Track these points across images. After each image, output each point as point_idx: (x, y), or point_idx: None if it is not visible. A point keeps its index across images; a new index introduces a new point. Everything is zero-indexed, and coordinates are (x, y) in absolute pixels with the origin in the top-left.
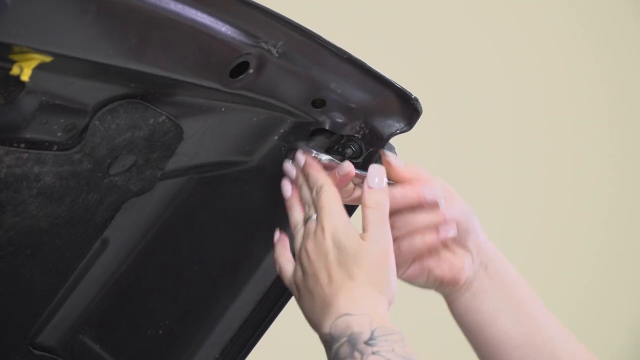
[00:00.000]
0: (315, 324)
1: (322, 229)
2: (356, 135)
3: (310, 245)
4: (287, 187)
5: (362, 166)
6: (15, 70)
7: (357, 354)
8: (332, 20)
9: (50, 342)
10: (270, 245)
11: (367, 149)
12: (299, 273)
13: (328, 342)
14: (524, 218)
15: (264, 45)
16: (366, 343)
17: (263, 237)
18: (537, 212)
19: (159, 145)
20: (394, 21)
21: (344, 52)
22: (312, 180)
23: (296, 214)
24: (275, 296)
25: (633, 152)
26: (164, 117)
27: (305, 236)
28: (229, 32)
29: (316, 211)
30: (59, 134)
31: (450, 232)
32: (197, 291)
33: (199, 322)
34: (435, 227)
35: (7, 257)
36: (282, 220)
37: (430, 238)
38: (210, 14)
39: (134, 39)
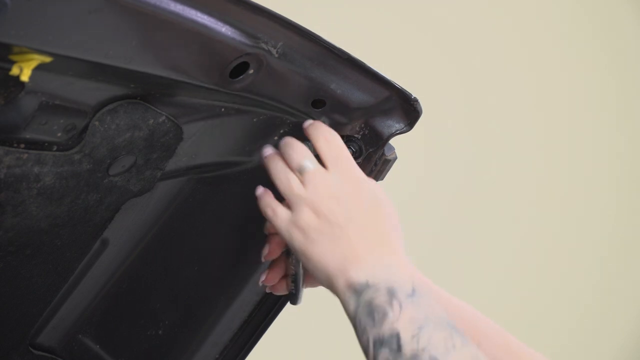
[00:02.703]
0: (335, 272)
1: (346, 174)
2: (356, 135)
3: (331, 190)
4: (267, 148)
5: (362, 166)
6: (15, 71)
7: (395, 304)
8: (332, 21)
9: (50, 343)
10: None
11: (367, 149)
12: (309, 217)
13: (359, 289)
14: (525, 218)
15: (263, 45)
16: (407, 296)
17: (263, 238)
18: (538, 213)
19: (159, 146)
20: (393, 22)
21: (344, 53)
22: (311, 136)
23: (280, 164)
24: (275, 297)
25: (633, 153)
26: (163, 118)
27: (319, 181)
28: (229, 33)
29: (331, 156)
30: (59, 134)
31: None
32: (197, 291)
33: (198, 323)
34: None
35: (7, 257)
36: None
37: None
38: (210, 14)
39: (133, 40)
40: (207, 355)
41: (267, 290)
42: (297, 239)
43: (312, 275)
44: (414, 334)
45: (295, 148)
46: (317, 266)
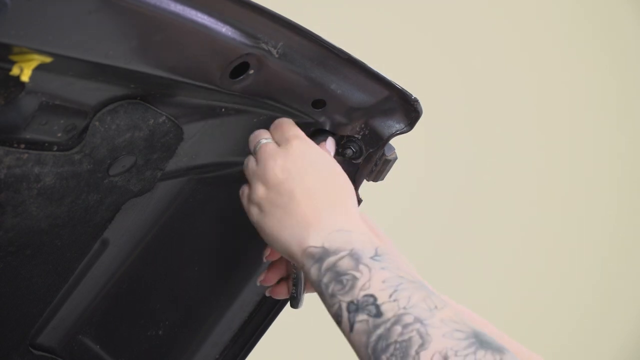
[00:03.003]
0: (290, 240)
1: (297, 146)
2: (356, 135)
3: (279, 162)
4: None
5: (362, 166)
6: (15, 71)
7: (363, 268)
8: (332, 21)
9: (50, 343)
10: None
11: (367, 150)
12: (261, 191)
13: (318, 256)
14: (525, 219)
15: (264, 46)
16: (372, 259)
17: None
18: (538, 213)
19: (159, 146)
20: (394, 22)
21: (344, 53)
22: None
23: (253, 137)
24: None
25: (634, 153)
26: (164, 118)
27: (268, 155)
28: (229, 33)
29: (282, 135)
30: (59, 134)
31: None
32: (197, 292)
33: (199, 323)
34: None
35: (7, 258)
36: None
37: None
38: (211, 15)
39: (134, 40)
40: (207, 356)
41: (267, 294)
42: (254, 214)
43: (272, 249)
44: (391, 294)
45: (255, 132)
46: (273, 238)
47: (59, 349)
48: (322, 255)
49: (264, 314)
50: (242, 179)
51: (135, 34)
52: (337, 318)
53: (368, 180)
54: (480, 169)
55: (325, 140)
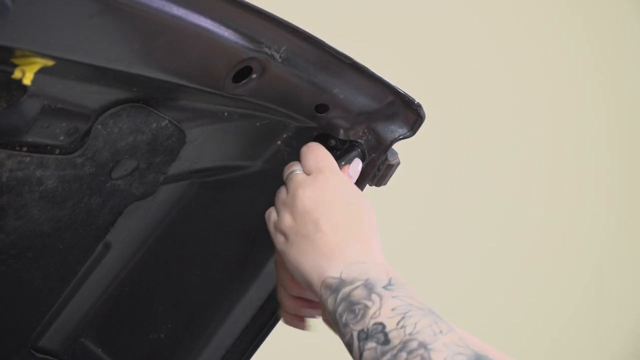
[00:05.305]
0: (311, 271)
1: (325, 178)
2: (359, 140)
3: (308, 193)
4: None
5: (365, 171)
6: (17, 74)
7: (375, 297)
8: (335, 25)
9: (52, 346)
10: (272, 250)
11: (370, 155)
12: (288, 220)
13: (335, 286)
14: (525, 219)
15: (267, 50)
16: (385, 288)
17: (265, 242)
18: (537, 213)
19: (162, 150)
20: (397, 27)
21: (347, 58)
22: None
23: (286, 167)
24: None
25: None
26: (166, 122)
27: (297, 184)
28: (232, 37)
29: (312, 165)
30: (61, 137)
31: None
32: (199, 295)
33: (201, 327)
34: None
35: (9, 261)
36: None
37: None
38: (213, 18)
39: (136, 44)
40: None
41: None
42: (279, 242)
43: (294, 279)
44: (399, 321)
45: (289, 164)
46: (295, 266)
47: (60, 352)
48: (338, 286)
49: (266, 318)
50: (245, 183)
51: (138, 37)
52: (349, 347)
53: (370, 185)
54: (482, 172)
55: (350, 162)
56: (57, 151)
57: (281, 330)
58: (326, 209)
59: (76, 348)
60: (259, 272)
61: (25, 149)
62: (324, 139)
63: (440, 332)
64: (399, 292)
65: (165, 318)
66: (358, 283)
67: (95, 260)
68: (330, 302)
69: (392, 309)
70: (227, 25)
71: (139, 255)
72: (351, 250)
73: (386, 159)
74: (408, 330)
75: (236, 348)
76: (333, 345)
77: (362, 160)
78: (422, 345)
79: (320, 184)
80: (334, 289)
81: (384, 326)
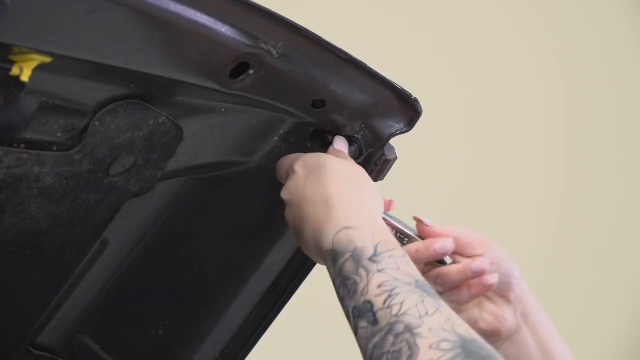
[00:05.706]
0: (316, 247)
1: (295, 166)
2: (356, 135)
3: (290, 184)
4: None
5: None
6: (15, 71)
7: (362, 271)
8: (332, 21)
9: (50, 342)
10: (270, 246)
11: (367, 150)
12: (289, 212)
13: (333, 258)
14: (524, 219)
15: (264, 46)
16: (370, 260)
17: (263, 238)
18: (537, 213)
19: (159, 146)
20: (394, 22)
21: (344, 53)
22: None
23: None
24: (275, 297)
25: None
26: (164, 118)
27: (291, 180)
28: (229, 33)
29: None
30: (59, 134)
31: (491, 280)
32: (197, 292)
33: (198, 323)
34: (479, 280)
35: (7, 258)
36: (281, 220)
37: (476, 290)
38: (210, 14)
39: (133, 40)
40: (207, 356)
41: None
42: (293, 232)
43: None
44: (385, 300)
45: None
46: (308, 251)
47: (59, 349)
48: (335, 258)
49: (263, 314)
50: (242, 179)
51: (135, 34)
52: (348, 320)
53: None
54: (479, 170)
55: (332, 140)
56: (55, 148)
57: (279, 325)
58: (301, 188)
59: (74, 345)
60: (256, 268)
61: (23, 145)
62: (321, 135)
63: (427, 313)
64: (385, 264)
65: (164, 314)
66: (347, 255)
67: (93, 257)
68: (332, 275)
69: (378, 286)
70: (225, 21)
71: (136, 252)
72: (337, 214)
73: (383, 154)
74: (394, 311)
75: (234, 344)
76: (333, 344)
77: (359, 156)
78: (408, 329)
79: (296, 170)
80: (334, 261)
81: (372, 305)
